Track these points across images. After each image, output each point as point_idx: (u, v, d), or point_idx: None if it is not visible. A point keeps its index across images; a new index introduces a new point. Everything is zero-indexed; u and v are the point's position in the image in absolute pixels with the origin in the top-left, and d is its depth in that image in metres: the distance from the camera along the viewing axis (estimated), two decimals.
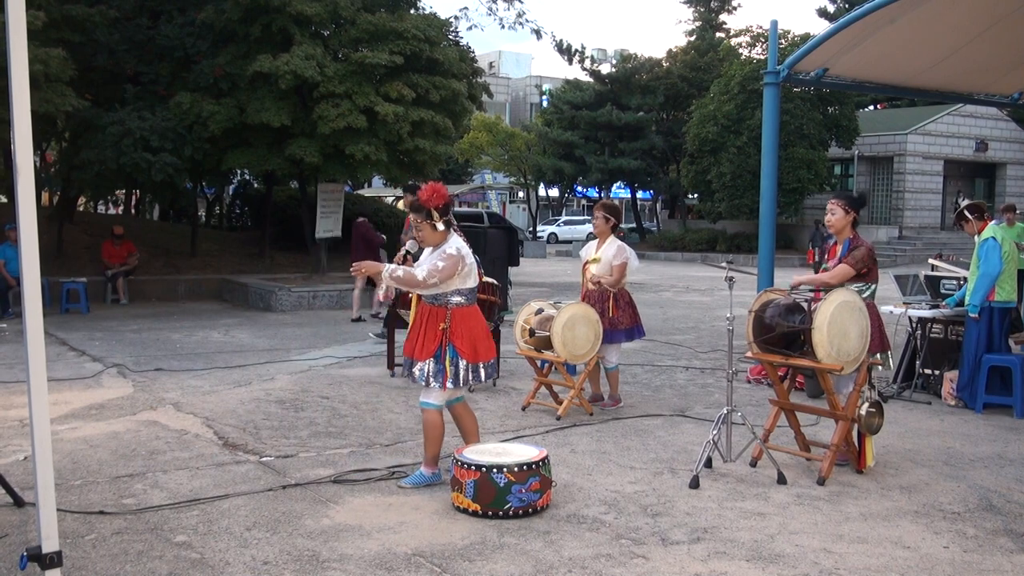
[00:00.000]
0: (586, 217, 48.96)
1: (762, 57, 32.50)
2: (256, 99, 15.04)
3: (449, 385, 5.05)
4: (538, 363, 7.46)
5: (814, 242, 27.22)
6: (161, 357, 9.82)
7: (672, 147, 37.99)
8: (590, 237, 8.53)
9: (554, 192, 49.63)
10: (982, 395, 7.53)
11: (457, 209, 39.65)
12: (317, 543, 4.33)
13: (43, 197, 21.48)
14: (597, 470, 5.64)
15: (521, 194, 54.85)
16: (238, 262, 18.39)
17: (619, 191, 49.46)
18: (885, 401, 7.59)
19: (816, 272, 6.08)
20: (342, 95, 14.86)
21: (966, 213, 7.87)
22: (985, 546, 4.42)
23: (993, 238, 7.50)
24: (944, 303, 8.31)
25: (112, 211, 29.84)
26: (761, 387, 8.48)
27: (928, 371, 8.22)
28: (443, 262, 5.01)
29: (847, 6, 40.37)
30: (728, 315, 5.64)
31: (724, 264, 5.83)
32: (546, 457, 4.90)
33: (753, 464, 5.70)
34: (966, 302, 7.72)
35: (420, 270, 5.02)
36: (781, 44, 30.06)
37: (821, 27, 41.51)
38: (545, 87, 54.81)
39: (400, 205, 31.08)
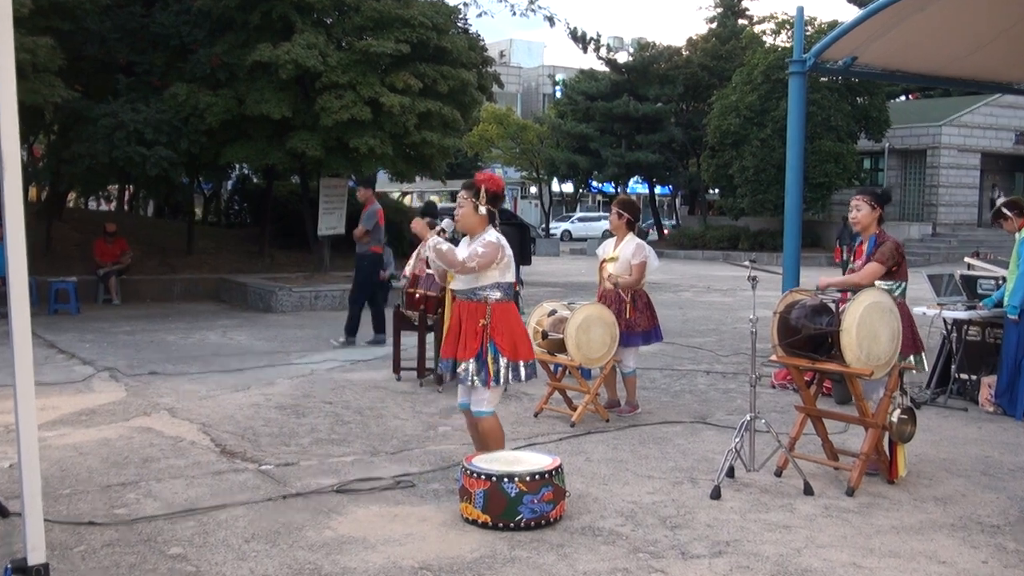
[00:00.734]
0: (602, 214, 48.98)
1: (787, 45, 32.41)
2: (255, 90, 15.07)
3: (492, 384, 5.08)
4: (551, 367, 7.45)
5: (842, 239, 27.09)
6: (155, 360, 9.85)
7: (692, 140, 37.92)
8: (606, 235, 8.52)
9: (568, 187, 49.62)
10: (1022, 401, 7.47)
11: None
12: (319, 556, 4.32)
13: (31, 192, 21.60)
14: (613, 480, 5.62)
15: (533, 189, 54.83)
16: (236, 261, 18.44)
17: (636, 186, 49.39)
18: (918, 407, 7.55)
19: (844, 272, 6.05)
20: (345, 86, 14.89)
21: (1004, 210, 7.81)
22: None
23: None
24: (981, 304, 8.26)
25: (104, 207, 29.97)
26: (786, 392, 8.45)
27: (964, 376, 8.17)
28: (483, 248, 5.07)
29: None
30: (751, 317, 5.62)
31: (747, 263, 5.81)
32: (560, 466, 4.89)
33: (778, 474, 5.68)
34: (1005, 303, 7.67)
35: (460, 252, 5.09)
36: (807, 31, 29.96)
37: (850, 13, 41.41)
38: (559, 77, 54.86)
39: (406, 200, 31.12)
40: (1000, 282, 8.40)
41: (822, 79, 28.47)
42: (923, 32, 10.01)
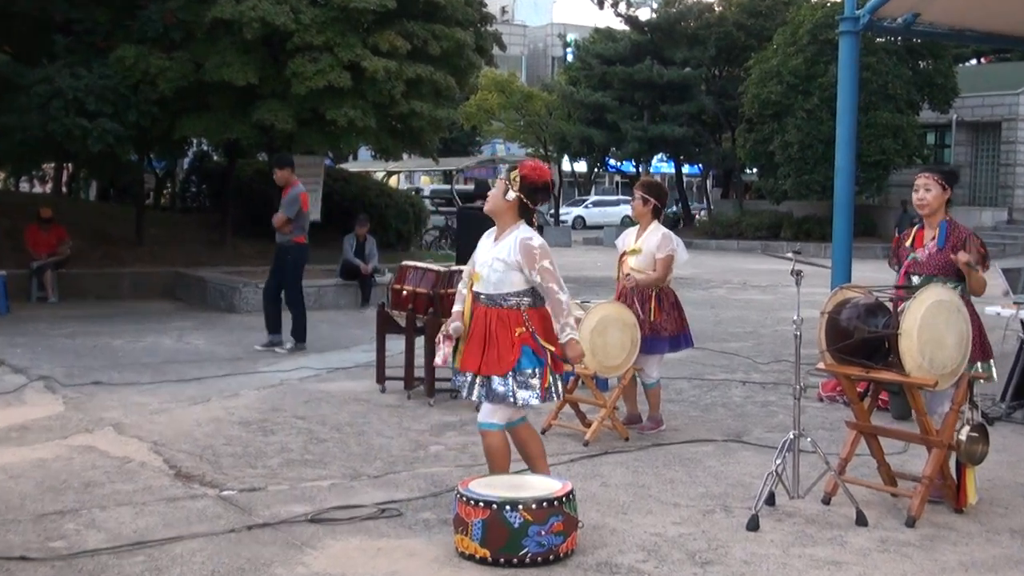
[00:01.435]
0: (620, 197, 49.00)
1: (837, 0, 32.40)
2: (216, 52, 15.07)
3: (536, 400, 5.17)
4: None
5: (901, 227, 27.01)
6: (99, 368, 9.86)
7: (726, 111, 37.88)
8: (625, 222, 8.50)
9: (581, 167, 49.58)
10: None
11: (462, 187, 39.83)
12: None
13: None
14: (634, 508, 5.62)
15: None
16: (194, 252, 18.45)
17: (661, 165, 49.33)
18: (990, 424, 7.54)
19: (900, 265, 6.03)
20: (321, 47, 14.89)
21: None
22: None
23: None
24: None
25: (38, 189, 30.00)
26: (835, 406, 8.44)
27: None
28: (546, 260, 5.15)
29: None
30: (795, 318, 5.61)
31: (790, 254, 5.80)
32: (571, 492, 4.89)
33: (826, 501, 5.68)
34: None
35: (557, 289, 5.15)
36: None
37: None
38: (570, 37, 54.79)
39: (392, 182, 31.13)
40: None
41: (878, 40, 28.42)
42: None
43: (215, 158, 23.47)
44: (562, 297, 5.18)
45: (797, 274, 5.63)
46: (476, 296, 5.33)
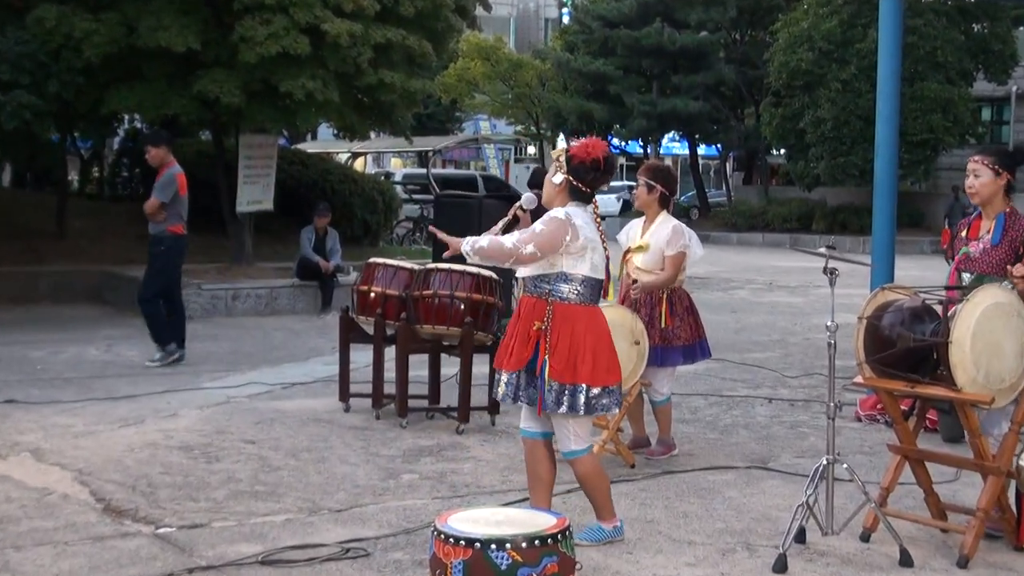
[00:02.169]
0: (625, 183, 48.97)
1: None
2: (150, 13, 15.00)
3: (550, 408, 5.35)
4: None
5: (952, 218, 27.16)
6: (14, 383, 9.82)
7: (748, 82, 37.99)
8: (624, 209, 8.47)
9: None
10: None
11: (439, 171, 39.81)
12: None
13: None
14: (641, 546, 5.63)
15: (532, 149, 54.90)
16: (125, 247, 18.36)
17: (672, 145, 49.39)
18: None
19: (953, 260, 6.04)
20: (274, 7, 14.82)
21: None
22: None
23: None
24: None
25: None
26: (876, 427, 8.47)
27: None
28: (543, 225, 5.30)
29: None
30: (828, 324, 5.62)
31: (823, 250, 5.80)
32: (568, 528, 4.87)
33: (865, 538, 5.69)
34: None
35: (508, 237, 5.32)
36: None
37: None
38: None
39: (358, 165, 31.10)
40: None
41: None
42: None
43: None
44: (507, 243, 5.30)
45: (831, 272, 5.64)
46: (524, 284, 5.54)
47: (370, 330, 8.77)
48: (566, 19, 48.33)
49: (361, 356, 9.25)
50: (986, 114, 35.62)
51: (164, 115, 16.42)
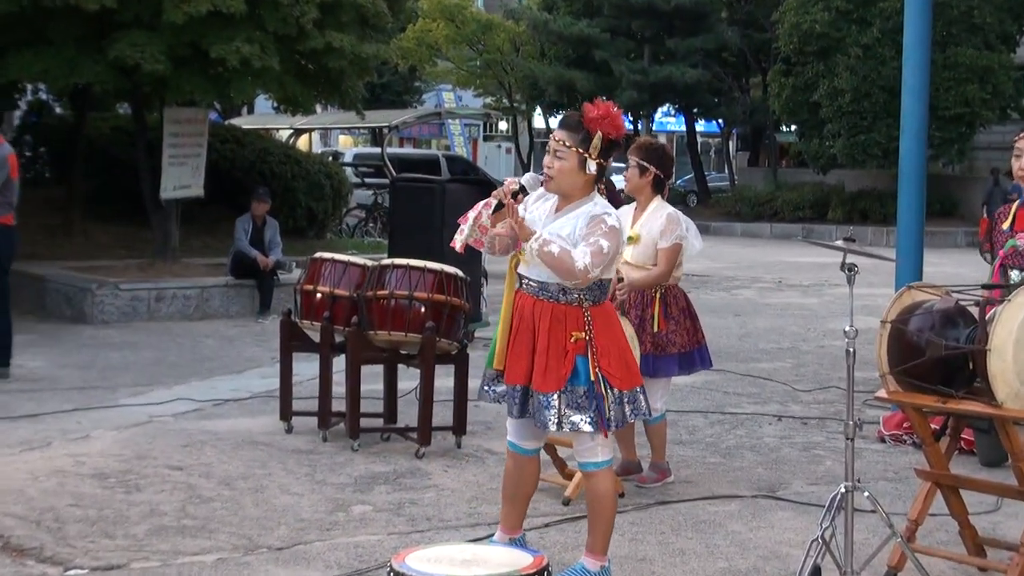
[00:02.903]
0: (614, 165, 49.01)
1: None
2: None
3: (590, 427, 5.38)
4: None
5: (991, 205, 27.22)
6: None
7: (754, 47, 38.10)
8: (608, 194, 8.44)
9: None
10: None
11: (396, 150, 39.76)
12: None
13: None
14: None
15: (504, 126, 54.94)
16: (28, 240, 18.27)
17: (667, 121, 49.44)
18: None
19: (992, 254, 6.07)
20: None
21: None
22: None
23: None
24: None
25: None
26: (902, 449, 8.50)
27: None
28: (607, 241, 5.29)
29: None
30: (846, 328, 5.62)
31: (840, 242, 5.81)
32: (546, 567, 4.87)
33: None
34: None
35: (577, 253, 5.24)
36: None
37: None
38: None
39: (302, 143, 31.02)
40: None
41: None
42: None
43: (57, 111, 23.28)
44: (578, 261, 5.21)
45: (850, 269, 5.64)
46: (522, 280, 5.48)
47: (316, 337, 8.76)
48: None
49: (306, 367, 9.23)
50: None
51: (74, 85, 16.37)
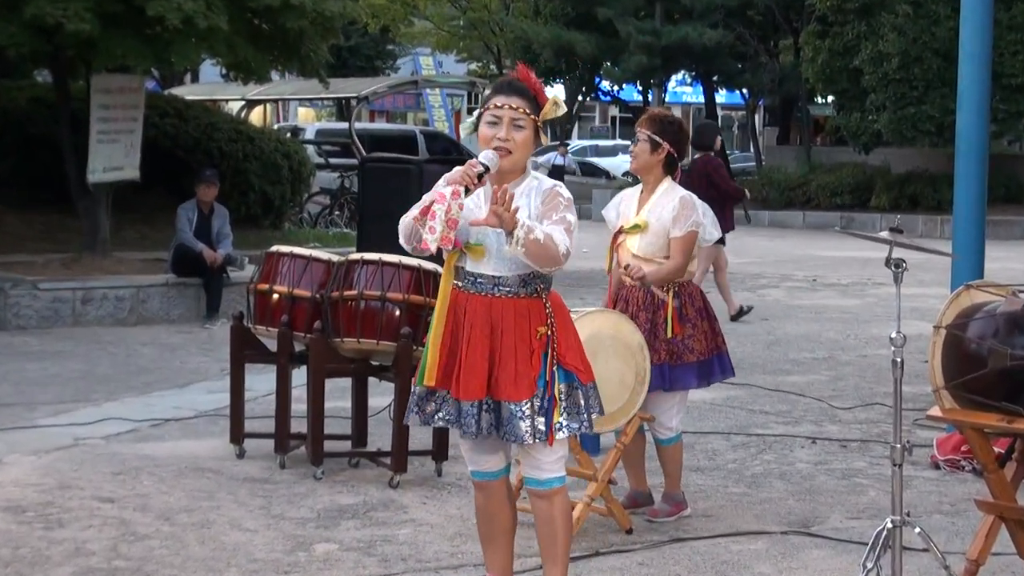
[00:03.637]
0: (618, 142, 49.16)
1: None
2: None
3: (567, 433, 5.51)
4: None
5: None
6: None
7: (784, 4, 38.16)
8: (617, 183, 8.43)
9: (557, 91, 49.76)
10: None
11: (366, 126, 39.78)
12: None
13: None
14: None
15: None
16: None
17: (683, 91, 49.51)
18: None
19: None
20: None
21: None
22: None
23: None
24: None
25: None
26: (959, 477, 8.50)
27: None
28: (571, 214, 5.46)
29: None
30: (893, 335, 5.62)
31: (886, 233, 5.80)
32: None
33: None
34: None
35: (555, 233, 5.30)
36: None
37: None
38: None
39: (254, 116, 31.03)
40: None
41: None
42: None
43: None
44: (559, 244, 5.28)
45: (897, 265, 5.64)
46: (469, 279, 5.49)
47: (273, 345, 8.76)
48: None
49: (260, 381, 9.21)
50: None
51: None
